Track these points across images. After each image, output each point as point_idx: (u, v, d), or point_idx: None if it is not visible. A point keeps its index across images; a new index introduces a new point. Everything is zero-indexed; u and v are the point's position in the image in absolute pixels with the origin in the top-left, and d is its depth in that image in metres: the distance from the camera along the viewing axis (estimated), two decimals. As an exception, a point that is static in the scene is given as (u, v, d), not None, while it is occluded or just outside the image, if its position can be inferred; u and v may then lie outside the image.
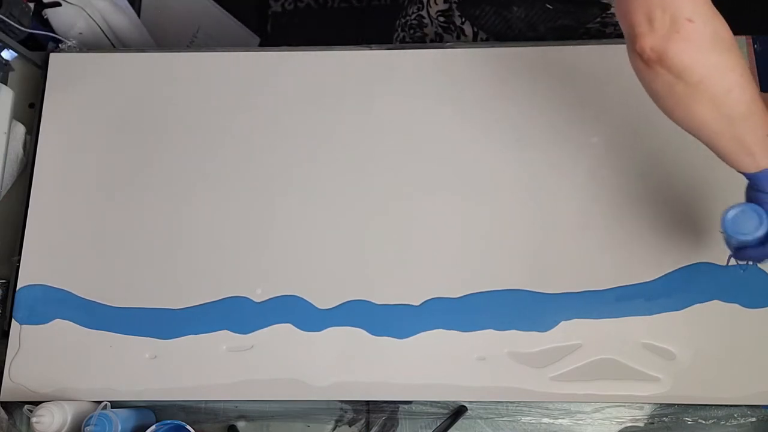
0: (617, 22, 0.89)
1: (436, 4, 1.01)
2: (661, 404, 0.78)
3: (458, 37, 1.02)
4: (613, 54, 0.91)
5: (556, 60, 0.90)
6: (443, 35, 1.04)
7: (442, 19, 1.02)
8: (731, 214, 0.65)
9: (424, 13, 1.05)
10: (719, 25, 0.56)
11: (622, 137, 0.87)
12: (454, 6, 0.98)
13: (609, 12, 0.88)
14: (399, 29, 1.13)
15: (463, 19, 0.99)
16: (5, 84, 0.91)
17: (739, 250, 0.68)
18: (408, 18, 1.09)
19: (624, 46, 0.91)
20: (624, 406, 0.79)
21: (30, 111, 0.93)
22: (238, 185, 0.87)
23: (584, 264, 0.82)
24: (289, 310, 0.81)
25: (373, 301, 0.81)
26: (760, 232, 0.63)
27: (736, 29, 0.88)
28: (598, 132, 0.87)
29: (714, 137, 0.62)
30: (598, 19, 0.91)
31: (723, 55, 0.56)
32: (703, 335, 0.79)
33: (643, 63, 0.58)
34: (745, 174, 0.64)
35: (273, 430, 0.80)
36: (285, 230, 0.85)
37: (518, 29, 0.95)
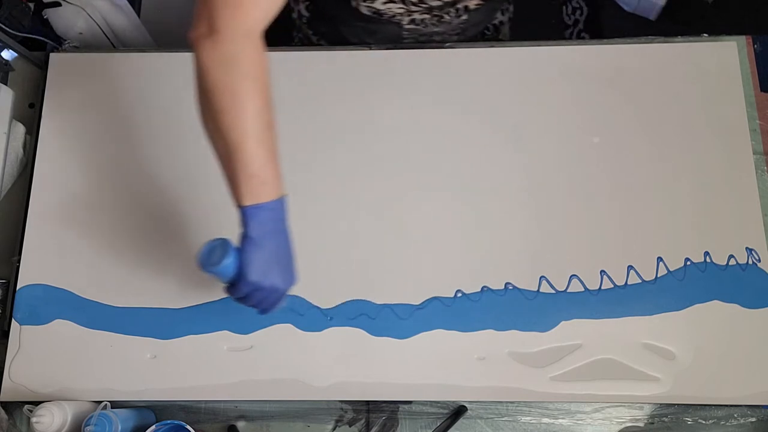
0: (434, 32, 0.93)
1: (303, 26, 1.04)
2: (661, 404, 0.78)
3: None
4: (614, 54, 0.91)
5: (557, 60, 0.91)
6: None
7: (300, 35, 1.05)
8: (205, 248, 0.65)
9: (301, 35, 1.06)
10: (246, 53, 0.60)
11: (622, 137, 0.87)
12: (304, 25, 1.01)
13: (408, 28, 0.91)
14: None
15: (318, 37, 1.02)
16: (5, 84, 0.91)
17: (229, 288, 0.66)
18: (294, 42, 1.11)
19: (624, 47, 0.92)
20: (624, 406, 0.79)
21: (30, 111, 0.93)
22: (238, 185, 0.87)
23: (584, 264, 0.82)
24: (289, 310, 0.81)
25: (373, 301, 0.81)
26: (221, 265, 0.62)
27: (737, 29, 0.89)
28: (598, 132, 0.87)
29: (217, 155, 0.63)
30: (406, 33, 0.93)
31: (235, 77, 0.59)
32: (703, 335, 0.79)
33: (192, 48, 0.61)
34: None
35: (273, 430, 0.80)
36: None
37: (353, 43, 0.97)
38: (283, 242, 0.65)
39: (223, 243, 0.64)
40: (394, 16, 0.89)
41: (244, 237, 0.62)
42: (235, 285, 0.64)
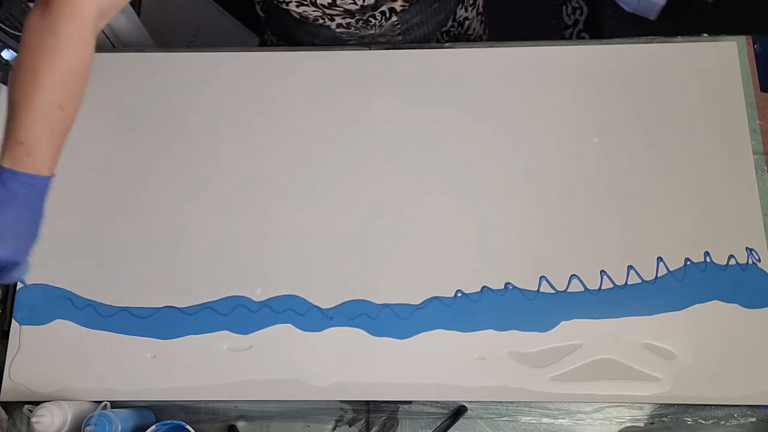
0: (375, 34, 0.93)
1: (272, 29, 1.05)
2: (661, 404, 0.78)
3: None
4: (614, 54, 0.91)
5: (557, 60, 0.90)
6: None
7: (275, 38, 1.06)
8: None
9: (273, 38, 1.07)
10: (63, 29, 0.60)
11: (622, 137, 0.87)
12: (265, 26, 1.03)
13: (340, 32, 0.92)
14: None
15: (277, 38, 1.03)
16: (5, 84, 0.91)
17: None
18: (266, 41, 1.11)
19: (624, 47, 0.92)
20: (624, 406, 0.79)
21: (30, 111, 0.93)
22: (238, 185, 0.87)
23: (584, 264, 0.82)
24: (289, 310, 0.81)
25: (373, 301, 0.81)
26: None
27: (737, 29, 0.89)
28: (598, 132, 0.87)
29: (8, 113, 0.62)
30: (346, 36, 0.94)
31: (43, 47, 0.60)
32: (703, 335, 0.79)
33: None
34: None
35: (273, 430, 0.80)
36: (285, 230, 0.85)
37: (306, 43, 0.97)
38: (22, 217, 0.62)
39: None
40: (316, 19, 0.89)
41: None
42: None
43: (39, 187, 0.63)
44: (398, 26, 0.92)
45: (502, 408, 0.79)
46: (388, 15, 0.89)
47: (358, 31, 0.92)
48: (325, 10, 0.86)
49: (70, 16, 0.61)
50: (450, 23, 1.01)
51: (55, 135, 0.62)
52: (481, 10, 1.06)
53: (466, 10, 1.02)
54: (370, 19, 0.88)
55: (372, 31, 0.92)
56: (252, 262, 0.83)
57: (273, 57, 0.93)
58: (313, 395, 0.79)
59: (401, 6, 0.88)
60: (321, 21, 0.89)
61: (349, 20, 0.89)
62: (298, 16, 0.89)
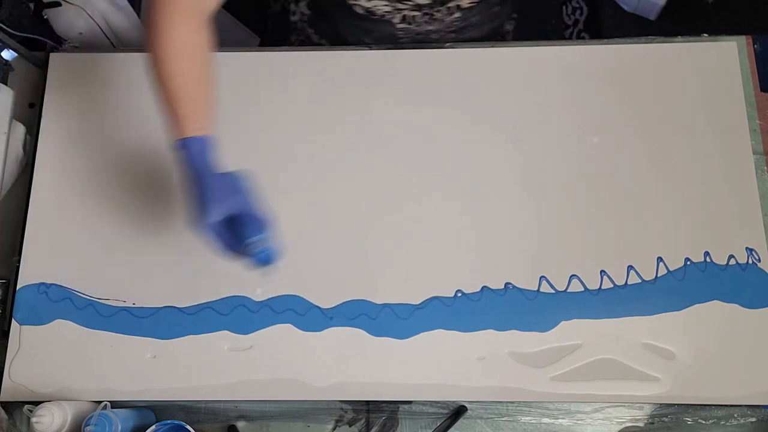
0: (429, 30, 0.94)
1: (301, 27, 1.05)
2: (661, 404, 0.78)
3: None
4: (614, 54, 0.91)
5: (557, 60, 0.90)
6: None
7: (301, 38, 1.06)
8: None
9: (302, 38, 1.08)
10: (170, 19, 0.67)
11: (622, 137, 0.87)
12: (305, 24, 1.03)
13: (399, 27, 0.92)
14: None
15: (314, 31, 1.03)
16: (5, 84, 0.91)
17: None
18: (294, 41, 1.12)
19: (624, 47, 0.92)
20: (624, 406, 0.79)
21: (30, 111, 0.93)
22: (238, 185, 0.87)
23: (584, 264, 0.82)
24: (289, 310, 0.81)
25: (373, 301, 0.81)
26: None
27: (737, 29, 0.89)
28: (598, 132, 0.87)
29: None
30: (400, 32, 0.94)
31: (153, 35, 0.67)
32: (703, 335, 0.79)
33: None
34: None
35: (273, 430, 0.80)
36: (285, 230, 0.84)
37: (353, 42, 0.98)
38: (198, 175, 0.67)
39: None
40: (383, 15, 0.89)
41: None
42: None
43: (204, 145, 0.68)
44: (456, 23, 0.93)
45: (502, 408, 0.79)
46: (452, 11, 0.89)
47: (418, 27, 0.92)
48: (397, 4, 0.87)
49: (176, 8, 0.66)
50: (497, 34, 1.03)
51: (191, 99, 0.67)
52: (516, 24, 1.08)
53: (508, 24, 1.04)
54: (435, 13, 0.89)
55: (430, 27, 0.93)
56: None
57: (273, 57, 0.93)
58: (313, 395, 0.79)
59: (469, 3, 0.89)
60: (389, 16, 0.90)
61: (415, 14, 0.89)
62: (363, 12, 0.89)
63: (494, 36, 1.03)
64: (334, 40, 1.00)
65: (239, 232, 0.67)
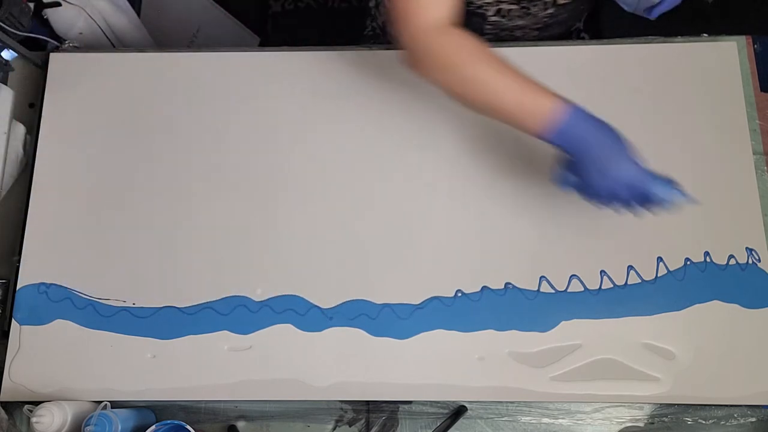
0: (517, 26, 0.94)
1: (381, 15, 1.02)
2: (661, 404, 0.78)
3: None
4: (614, 54, 0.91)
5: (557, 60, 0.90)
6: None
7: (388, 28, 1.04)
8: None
9: (375, 24, 1.06)
10: (433, 47, 0.67)
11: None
12: None
13: (491, 21, 0.92)
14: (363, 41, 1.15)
15: None
16: (5, 84, 0.91)
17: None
18: (366, 30, 1.11)
19: (624, 46, 0.92)
20: (624, 406, 0.79)
21: (30, 111, 0.93)
22: (238, 185, 0.87)
23: (584, 264, 0.82)
24: (289, 310, 0.81)
25: (373, 301, 0.81)
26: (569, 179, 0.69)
27: (737, 29, 0.89)
28: (598, 132, 0.87)
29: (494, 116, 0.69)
30: (489, 26, 0.94)
31: (444, 73, 0.68)
32: (703, 335, 0.79)
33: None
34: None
35: (273, 430, 0.80)
36: (285, 230, 0.85)
37: None
38: (596, 138, 0.66)
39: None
40: (481, 6, 0.88)
41: (564, 159, 0.68)
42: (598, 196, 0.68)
43: (574, 113, 0.67)
44: (545, 19, 0.93)
45: (502, 408, 0.79)
46: (547, 6, 0.89)
47: (509, 21, 0.91)
48: None
49: (433, 30, 0.66)
50: (572, 33, 1.03)
51: (526, 83, 0.67)
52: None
53: (581, 23, 1.04)
54: (532, 7, 0.89)
55: (520, 22, 0.92)
56: (252, 262, 0.83)
57: (273, 57, 0.93)
58: (313, 395, 0.79)
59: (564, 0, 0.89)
60: (485, 8, 0.89)
61: (512, 7, 0.89)
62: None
63: (569, 35, 1.03)
64: None
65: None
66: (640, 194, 0.66)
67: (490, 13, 0.90)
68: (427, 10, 0.66)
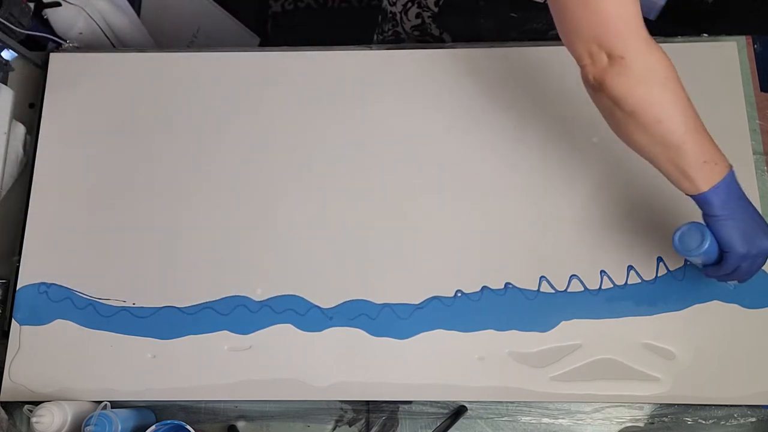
0: None
1: (409, 20, 1.02)
2: (661, 404, 0.78)
3: None
4: (613, 54, 0.91)
5: (557, 60, 0.90)
6: None
7: (417, 33, 1.04)
8: (678, 233, 0.70)
9: (399, 29, 1.06)
10: (653, 61, 0.62)
11: (622, 137, 0.87)
12: (429, 20, 1.00)
13: None
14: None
15: (441, 30, 1.00)
16: (5, 84, 0.91)
17: (704, 267, 0.72)
18: (385, 35, 1.11)
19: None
20: (624, 406, 0.79)
21: (30, 111, 0.93)
22: (239, 185, 0.87)
23: (584, 264, 0.82)
24: (289, 310, 0.81)
25: (373, 301, 0.81)
26: (704, 248, 0.67)
27: (737, 29, 0.89)
28: (598, 132, 0.87)
29: (654, 160, 0.68)
30: None
31: (654, 88, 0.62)
32: (703, 335, 0.79)
33: (590, 88, 0.66)
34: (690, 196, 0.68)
35: (273, 430, 0.80)
36: (285, 230, 0.85)
37: (490, 37, 0.97)
38: (749, 208, 0.67)
39: (695, 227, 0.69)
40: None
41: (715, 218, 0.66)
42: (720, 263, 0.68)
43: (734, 178, 0.67)
44: None
45: (502, 408, 0.79)
46: None
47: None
48: None
49: (645, 50, 0.63)
50: None
51: (707, 134, 0.67)
52: None
53: None
54: None
55: None
56: (252, 262, 0.83)
57: (273, 57, 0.93)
58: (313, 395, 0.79)
59: None
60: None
61: None
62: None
63: None
64: (463, 36, 0.97)
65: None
66: (758, 266, 0.69)
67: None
68: (641, 19, 0.62)
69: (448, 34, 1.01)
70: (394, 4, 1.03)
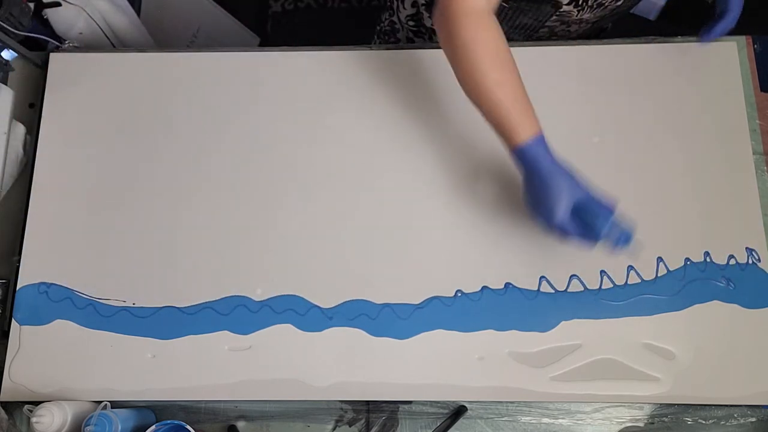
0: (578, 20, 0.91)
1: (405, 9, 1.02)
2: (661, 404, 0.78)
3: (429, 39, 1.04)
4: (614, 54, 0.91)
5: (557, 60, 0.90)
6: (414, 39, 1.06)
7: (411, 23, 1.03)
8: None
9: (395, 18, 1.06)
10: (460, 26, 0.68)
11: (623, 137, 0.87)
12: (422, 8, 0.99)
13: (562, 10, 0.89)
14: (375, 36, 1.15)
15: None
16: (5, 84, 0.91)
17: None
18: (382, 25, 1.11)
19: (625, 46, 0.92)
20: (624, 406, 0.79)
21: (30, 111, 0.93)
22: (238, 185, 0.87)
23: (584, 264, 0.82)
24: (289, 310, 0.81)
25: (373, 301, 0.81)
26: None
27: (737, 29, 0.89)
28: (599, 132, 0.87)
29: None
30: (555, 17, 0.92)
31: (455, 51, 0.70)
32: (703, 335, 0.79)
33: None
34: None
35: (273, 430, 0.80)
36: (285, 230, 0.85)
37: None
38: (542, 176, 0.70)
39: None
40: None
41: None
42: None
43: (543, 145, 0.70)
44: (607, 13, 0.92)
45: (502, 408, 0.79)
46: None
47: (578, 14, 0.90)
48: None
49: (464, 16, 0.68)
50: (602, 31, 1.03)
51: (515, 104, 0.69)
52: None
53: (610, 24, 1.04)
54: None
55: (586, 15, 0.91)
56: (252, 262, 0.83)
57: (273, 57, 0.93)
58: (313, 395, 0.79)
59: None
60: None
61: None
62: None
63: (598, 34, 1.04)
64: None
65: (587, 220, 0.70)
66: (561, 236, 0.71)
67: (565, 2, 0.88)
68: None
69: None
70: None
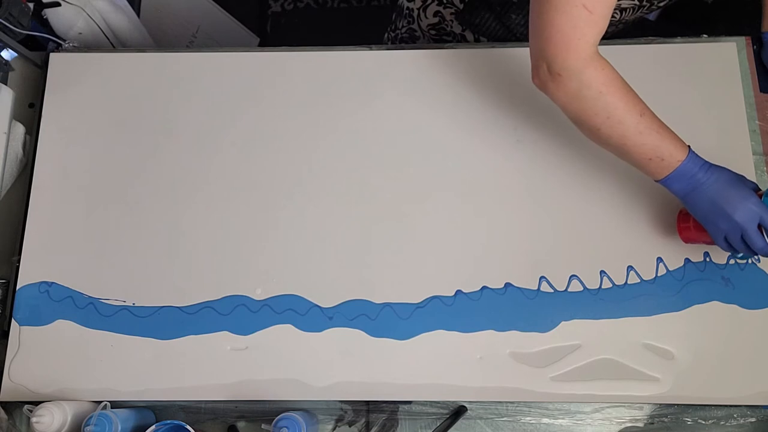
0: (614, 20, 0.89)
1: (426, 18, 1.02)
2: (660, 404, 0.78)
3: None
4: (614, 54, 0.91)
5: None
6: None
7: (433, 32, 1.03)
8: None
9: (415, 26, 1.05)
10: (588, 78, 0.67)
11: (622, 137, 0.87)
12: (451, 17, 0.99)
13: None
14: (389, 42, 1.14)
15: (464, 27, 1.00)
16: (5, 84, 0.91)
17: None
18: (398, 32, 1.10)
19: (625, 47, 0.92)
20: (624, 406, 0.79)
21: (30, 111, 0.93)
22: (239, 185, 0.87)
23: (584, 264, 0.82)
24: (289, 310, 0.81)
25: (373, 301, 0.81)
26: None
27: (737, 29, 0.89)
28: (598, 132, 0.87)
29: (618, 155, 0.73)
30: None
31: (587, 102, 0.68)
32: (702, 335, 0.79)
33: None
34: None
35: (273, 430, 0.80)
36: (285, 230, 0.85)
37: (519, 33, 0.96)
38: (713, 186, 0.71)
39: None
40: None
41: (683, 200, 0.73)
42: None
43: (691, 164, 0.71)
44: (639, 13, 0.92)
45: (502, 408, 0.79)
46: (657, 4, 0.89)
47: (622, 15, 0.91)
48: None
49: (582, 69, 0.67)
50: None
51: (658, 131, 0.70)
52: None
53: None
54: (646, 2, 0.89)
55: (627, 17, 0.92)
56: (252, 262, 0.83)
57: (273, 57, 0.93)
58: (313, 395, 0.79)
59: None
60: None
61: (635, 2, 0.89)
62: None
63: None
64: (487, 34, 0.98)
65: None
66: (739, 239, 0.71)
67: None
68: (585, 40, 0.66)
69: (471, 32, 1.00)
70: (413, 0, 1.03)
